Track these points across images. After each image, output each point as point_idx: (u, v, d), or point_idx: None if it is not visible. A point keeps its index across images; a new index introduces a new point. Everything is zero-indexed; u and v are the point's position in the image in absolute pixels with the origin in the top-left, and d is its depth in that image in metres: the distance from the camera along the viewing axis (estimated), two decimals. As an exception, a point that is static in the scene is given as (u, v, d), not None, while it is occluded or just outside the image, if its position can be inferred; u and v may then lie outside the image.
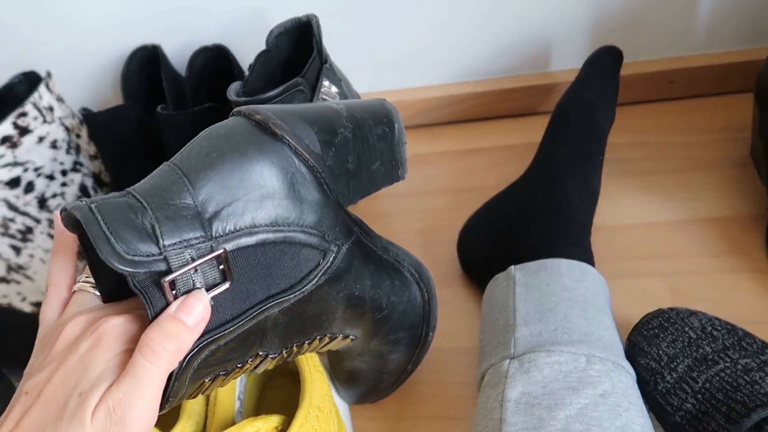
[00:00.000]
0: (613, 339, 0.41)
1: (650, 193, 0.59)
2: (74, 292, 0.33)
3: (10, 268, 0.58)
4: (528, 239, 0.48)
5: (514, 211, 0.52)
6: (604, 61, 0.58)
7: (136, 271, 0.28)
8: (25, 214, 0.59)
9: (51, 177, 0.62)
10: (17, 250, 0.58)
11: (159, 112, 0.59)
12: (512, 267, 0.46)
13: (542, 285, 0.43)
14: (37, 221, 0.60)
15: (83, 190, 0.65)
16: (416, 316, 0.43)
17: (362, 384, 0.47)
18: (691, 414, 0.39)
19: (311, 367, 0.40)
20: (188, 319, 0.28)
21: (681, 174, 0.60)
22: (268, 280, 0.32)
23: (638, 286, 0.52)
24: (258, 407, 0.46)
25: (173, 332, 0.28)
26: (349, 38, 0.66)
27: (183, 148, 0.34)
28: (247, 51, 0.67)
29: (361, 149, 0.36)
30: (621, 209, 0.59)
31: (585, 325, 0.40)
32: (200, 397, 0.41)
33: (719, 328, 0.41)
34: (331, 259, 0.35)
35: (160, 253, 0.28)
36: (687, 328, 0.42)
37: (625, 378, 0.38)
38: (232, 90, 0.52)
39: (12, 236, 0.58)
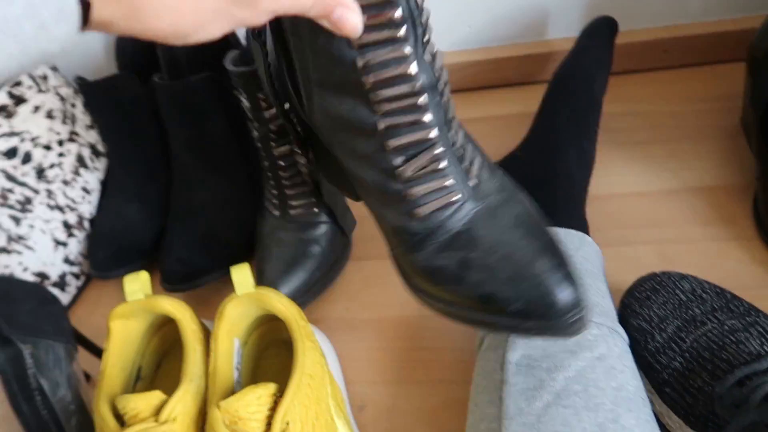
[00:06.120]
0: (608, 305, 0.42)
1: (642, 163, 0.61)
2: None
3: (10, 239, 0.58)
4: (525, 208, 0.50)
5: (511, 180, 0.54)
6: (602, 32, 0.59)
7: None
8: (23, 184, 0.59)
9: (48, 147, 0.61)
10: (17, 220, 0.58)
11: (155, 81, 0.59)
12: (510, 235, 0.47)
13: (540, 253, 0.45)
14: (36, 192, 0.60)
15: (80, 161, 0.65)
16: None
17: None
18: (678, 372, 0.41)
19: (303, 337, 0.41)
20: None
21: (673, 143, 0.62)
22: None
23: (629, 253, 0.54)
24: (254, 377, 0.47)
25: None
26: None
27: None
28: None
29: None
30: (614, 179, 0.60)
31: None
32: (200, 364, 0.42)
33: (708, 291, 0.43)
34: None
35: None
36: (678, 291, 0.43)
37: (620, 343, 0.40)
38: (229, 59, 0.51)
39: (11, 207, 0.58)
